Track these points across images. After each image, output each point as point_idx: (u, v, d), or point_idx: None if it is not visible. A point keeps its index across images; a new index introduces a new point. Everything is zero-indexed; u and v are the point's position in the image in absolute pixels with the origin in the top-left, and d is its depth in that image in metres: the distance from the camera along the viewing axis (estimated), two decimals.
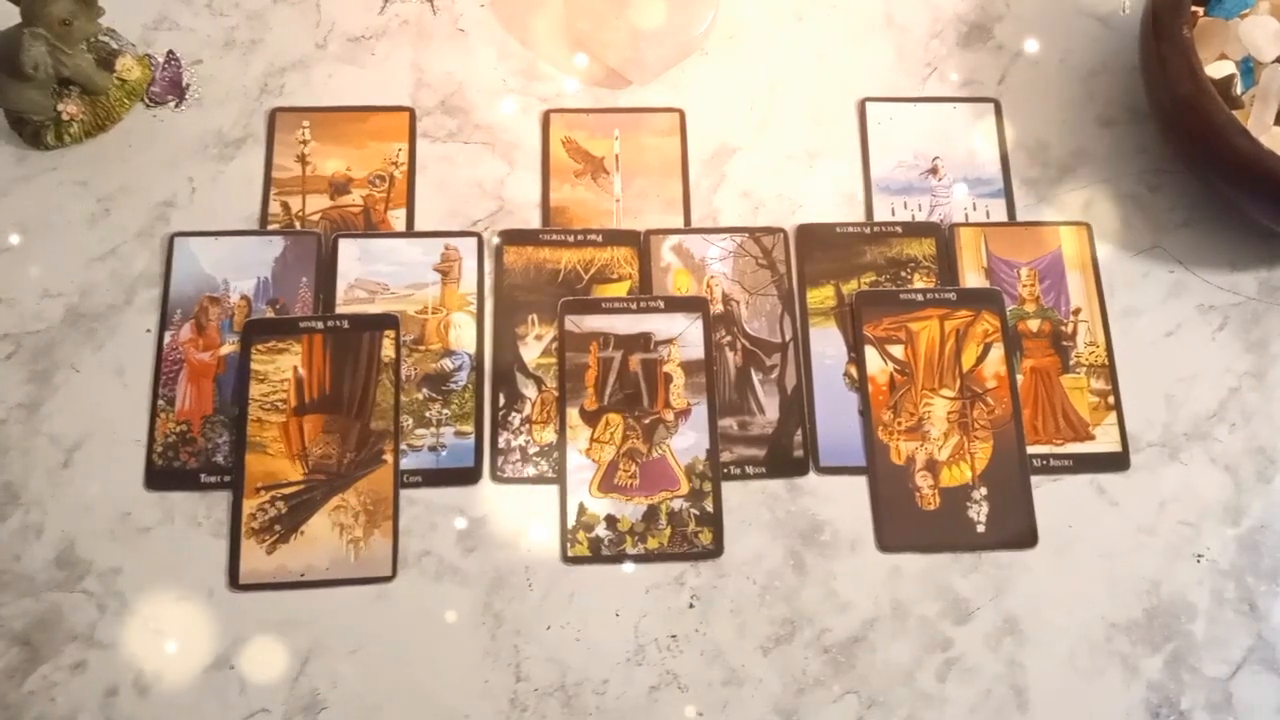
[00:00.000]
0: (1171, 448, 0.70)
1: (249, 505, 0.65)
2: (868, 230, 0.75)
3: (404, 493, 0.67)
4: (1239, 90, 0.71)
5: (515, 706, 0.63)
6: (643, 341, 0.70)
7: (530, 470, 0.68)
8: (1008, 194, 0.77)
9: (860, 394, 0.70)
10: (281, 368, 0.68)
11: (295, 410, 0.68)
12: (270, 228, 0.73)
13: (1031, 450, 0.69)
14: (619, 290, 0.72)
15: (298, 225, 0.73)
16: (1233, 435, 0.71)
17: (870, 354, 0.71)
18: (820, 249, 0.74)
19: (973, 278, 0.74)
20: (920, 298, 0.72)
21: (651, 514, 0.67)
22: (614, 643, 0.64)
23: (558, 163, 0.76)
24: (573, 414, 0.69)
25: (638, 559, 0.66)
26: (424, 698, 0.63)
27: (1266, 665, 0.65)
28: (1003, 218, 0.76)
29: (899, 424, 0.69)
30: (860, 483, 0.68)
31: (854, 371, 0.71)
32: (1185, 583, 0.67)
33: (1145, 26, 0.73)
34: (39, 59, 0.69)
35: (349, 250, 0.72)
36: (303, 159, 0.75)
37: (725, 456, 0.68)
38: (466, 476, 0.67)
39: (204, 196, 0.74)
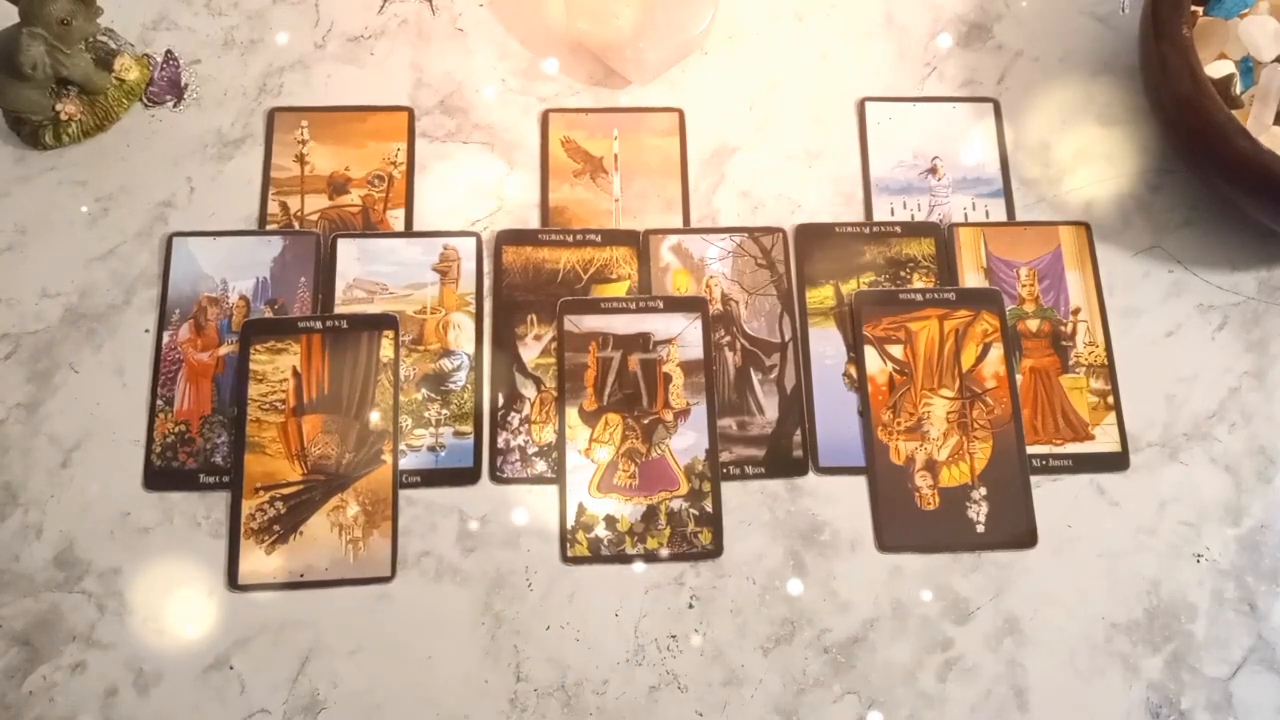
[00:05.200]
0: (1171, 448, 0.70)
1: (248, 505, 0.65)
2: (867, 230, 0.75)
3: (403, 493, 0.67)
4: (1238, 90, 0.71)
5: (515, 707, 0.63)
6: (642, 341, 0.70)
7: (529, 470, 0.68)
8: (1007, 194, 0.77)
9: (860, 394, 0.70)
10: (280, 368, 0.68)
11: (294, 410, 0.68)
12: (269, 228, 0.73)
13: (1031, 450, 0.69)
14: (618, 290, 0.72)
15: (296, 225, 0.73)
16: (1233, 435, 0.71)
17: (869, 354, 0.71)
18: (819, 249, 0.74)
19: (972, 278, 0.74)
20: (919, 298, 0.72)
21: (651, 514, 0.67)
22: (614, 643, 0.64)
23: (557, 162, 0.76)
24: (572, 414, 0.69)
25: (637, 559, 0.66)
26: (424, 698, 0.63)
27: (1266, 665, 0.65)
28: (1002, 218, 0.76)
29: (898, 424, 0.69)
30: (860, 483, 0.68)
31: (853, 371, 0.71)
32: (1185, 583, 0.67)
33: (1145, 26, 0.73)
34: (37, 59, 0.69)
35: (348, 250, 0.72)
36: (301, 159, 0.75)
37: (724, 456, 0.68)
38: (466, 477, 0.67)
39: (202, 196, 0.74)
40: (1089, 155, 0.79)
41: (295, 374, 0.68)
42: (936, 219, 0.76)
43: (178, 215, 0.73)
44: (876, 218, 0.76)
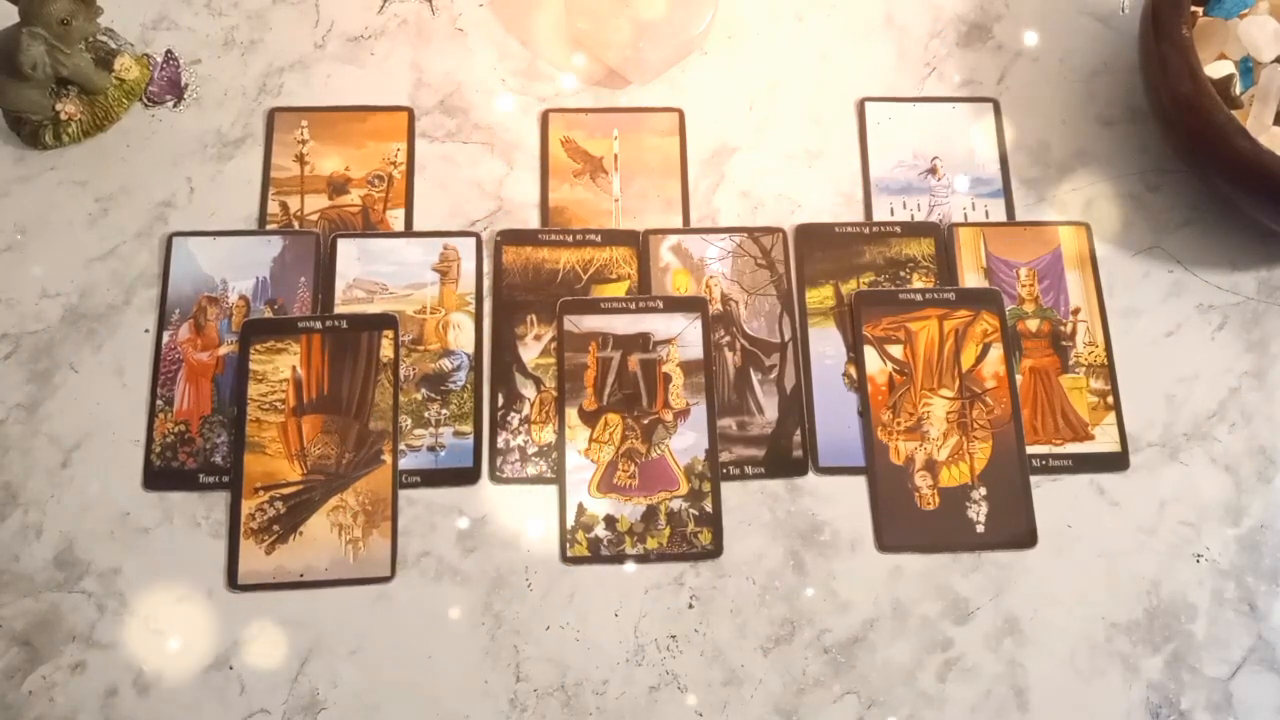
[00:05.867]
0: (1171, 448, 0.70)
1: (248, 505, 0.65)
2: (867, 230, 0.75)
3: (403, 493, 0.67)
4: (1238, 90, 0.71)
5: (515, 707, 0.63)
6: (642, 341, 0.70)
7: (529, 470, 0.68)
8: (1007, 194, 0.77)
9: (859, 394, 0.70)
10: (280, 368, 0.68)
11: (294, 410, 0.68)
12: (269, 228, 0.73)
13: (1031, 450, 0.69)
14: (618, 290, 0.72)
15: (296, 225, 0.73)
16: (1233, 435, 0.71)
17: (869, 354, 0.71)
18: (819, 249, 0.74)
19: (972, 278, 0.74)
20: (919, 298, 0.72)
21: (650, 514, 0.67)
22: (614, 643, 0.64)
23: (557, 162, 0.76)
24: (572, 414, 0.69)
25: (637, 559, 0.66)
26: (424, 698, 0.63)
27: (1266, 665, 0.65)
28: (1002, 218, 0.76)
29: (898, 424, 0.69)
30: (860, 483, 0.68)
31: (853, 371, 0.71)
32: (1185, 583, 0.67)
33: (1145, 26, 0.73)
34: (37, 58, 0.69)
35: (348, 250, 0.72)
36: (301, 159, 0.75)
37: (724, 457, 0.68)
38: (465, 477, 0.67)
39: (202, 196, 0.74)
40: (1089, 155, 0.79)
41: (295, 374, 0.68)
42: (936, 219, 0.76)
43: (178, 215, 0.73)
44: (876, 218, 0.76)
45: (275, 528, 0.65)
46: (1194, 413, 0.71)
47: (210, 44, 0.79)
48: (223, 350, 0.69)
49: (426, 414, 0.69)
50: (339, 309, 0.71)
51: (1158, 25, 0.70)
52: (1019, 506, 0.68)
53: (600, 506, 0.67)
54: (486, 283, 0.72)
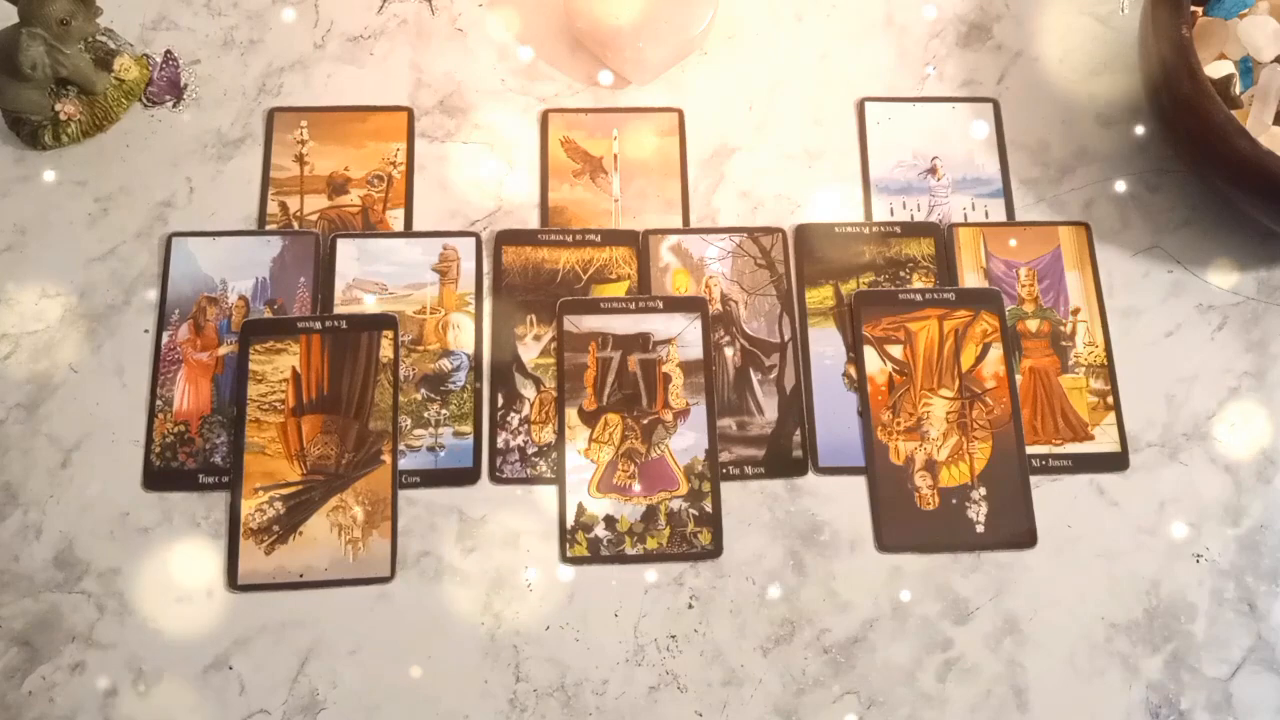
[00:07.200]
0: (1171, 448, 0.70)
1: (247, 506, 0.65)
2: (867, 230, 0.75)
3: (403, 493, 0.67)
4: (1238, 90, 0.71)
5: (515, 707, 0.63)
6: (641, 341, 0.70)
7: (529, 471, 0.68)
8: (1007, 194, 0.77)
9: (859, 394, 0.70)
10: (280, 368, 0.68)
11: (293, 410, 0.68)
12: (268, 228, 0.73)
13: (1030, 450, 0.69)
14: (617, 290, 0.72)
15: (296, 225, 0.73)
16: (1233, 435, 0.71)
17: (869, 354, 0.71)
18: (819, 249, 0.74)
19: (972, 278, 0.74)
20: (919, 298, 0.72)
21: (650, 514, 0.67)
22: (613, 643, 0.64)
23: (556, 163, 0.76)
24: (571, 414, 0.69)
25: (637, 559, 0.66)
26: (424, 698, 0.63)
27: (1266, 665, 0.65)
28: (1002, 218, 0.76)
29: (898, 424, 0.69)
30: (859, 483, 0.68)
31: (853, 371, 0.71)
32: (1185, 583, 0.67)
33: (1145, 26, 0.73)
34: (37, 59, 0.69)
35: (347, 250, 0.72)
36: (301, 159, 0.75)
37: (724, 457, 0.68)
38: (465, 477, 0.67)
39: (202, 196, 0.74)
40: (1089, 155, 0.79)
41: (295, 374, 0.68)
42: (936, 219, 0.76)
43: (177, 215, 0.73)
44: (876, 218, 0.76)
45: (275, 528, 0.65)
46: (1194, 413, 0.71)
47: (210, 44, 0.79)
48: (222, 350, 0.69)
49: (426, 414, 0.69)
50: (338, 309, 0.71)
51: (1157, 25, 0.70)
52: (1019, 506, 0.68)
53: (600, 506, 0.67)
54: (486, 282, 0.72)
